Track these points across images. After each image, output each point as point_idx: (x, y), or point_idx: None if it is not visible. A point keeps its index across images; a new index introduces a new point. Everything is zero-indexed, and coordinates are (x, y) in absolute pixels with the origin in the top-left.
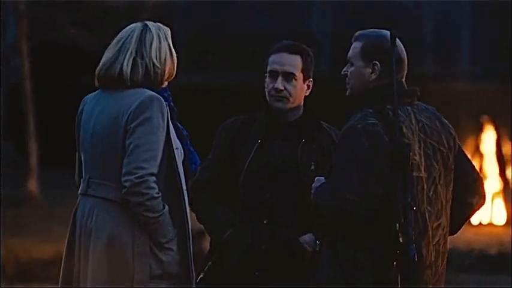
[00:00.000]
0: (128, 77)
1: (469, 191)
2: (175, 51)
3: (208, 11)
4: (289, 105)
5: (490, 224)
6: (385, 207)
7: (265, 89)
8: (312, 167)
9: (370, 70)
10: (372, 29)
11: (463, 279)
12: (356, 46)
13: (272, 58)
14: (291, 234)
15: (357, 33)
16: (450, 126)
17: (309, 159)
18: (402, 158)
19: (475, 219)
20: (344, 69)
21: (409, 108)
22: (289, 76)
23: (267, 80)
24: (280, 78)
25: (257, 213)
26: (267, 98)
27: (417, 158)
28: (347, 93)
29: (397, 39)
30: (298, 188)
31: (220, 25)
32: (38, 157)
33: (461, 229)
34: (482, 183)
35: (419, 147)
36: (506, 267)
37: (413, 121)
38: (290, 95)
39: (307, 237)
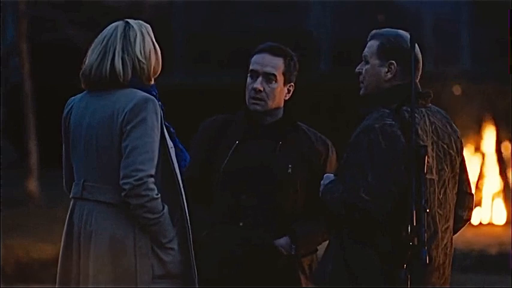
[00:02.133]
0: (121, 74)
1: (462, 205)
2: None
3: (207, 11)
4: (266, 108)
5: (490, 224)
6: (398, 208)
7: (246, 89)
8: (289, 170)
9: (386, 69)
10: (387, 29)
11: (463, 279)
12: (372, 44)
13: (254, 58)
14: (265, 238)
15: (373, 31)
16: (458, 131)
17: (286, 162)
18: (418, 160)
19: (475, 219)
20: (358, 67)
21: (423, 110)
22: (269, 77)
23: (248, 80)
24: (260, 79)
25: (233, 216)
26: (246, 98)
27: (430, 160)
28: (361, 92)
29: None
30: (275, 191)
31: (219, 25)
32: (38, 157)
33: (461, 229)
34: (473, 199)
35: (432, 150)
36: (506, 267)
37: (427, 123)
38: (268, 97)
39: (282, 241)
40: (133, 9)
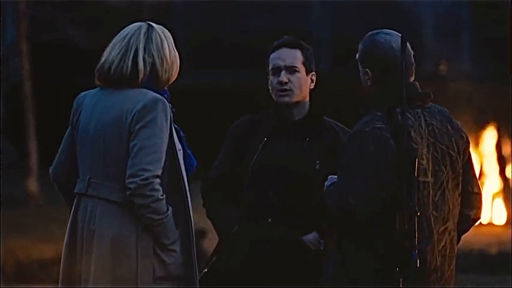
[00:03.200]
0: (142, 74)
1: (468, 204)
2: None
3: (207, 12)
4: (295, 99)
5: (490, 224)
6: (390, 211)
7: (269, 87)
8: (317, 166)
9: (367, 77)
10: (374, 31)
11: (463, 279)
12: (359, 51)
13: (273, 55)
14: (294, 233)
15: (365, 35)
16: (463, 130)
17: (314, 158)
18: (408, 163)
19: None
20: None
21: (419, 111)
22: (291, 69)
23: (271, 77)
24: (283, 72)
25: (262, 212)
26: (273, 95)
27: (424, 162)
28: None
29: (384, 41)
30: (303, 187)
31: (219, 25)
32: (38, 157)
33: (470, 228)
34: (481, 198)
35: (428, 152)
36: (506, 267)
37: (423, 124)
38: (295, 87)
39: (311, 236)
40: (133, 9)
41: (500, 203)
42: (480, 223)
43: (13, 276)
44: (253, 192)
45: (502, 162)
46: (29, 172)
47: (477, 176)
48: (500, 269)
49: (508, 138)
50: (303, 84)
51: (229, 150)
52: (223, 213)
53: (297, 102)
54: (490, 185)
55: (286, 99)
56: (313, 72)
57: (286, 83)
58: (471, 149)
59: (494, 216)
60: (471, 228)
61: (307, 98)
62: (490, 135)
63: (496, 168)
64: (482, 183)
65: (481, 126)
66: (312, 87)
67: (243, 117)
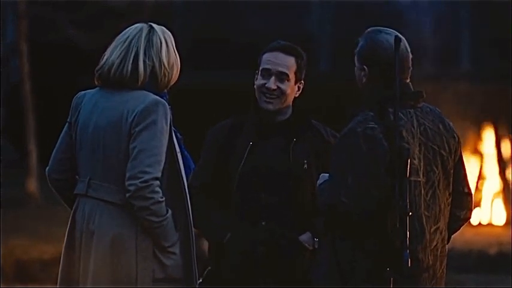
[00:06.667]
0: (141, 78)
1: (459, 204)
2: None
3: (207, 12)
4: (279, 106)
5: (490, 224)
6: (382, 210)
7: (255, 85)
8: (305, 166)
9: (363, 73)
10: (375, 28)
11: (463, 279)
12: (356, 47)
13: (266, 56)
14: (290, 234)
15: (365, 31)
16: (455, 130)
17: (301, 158)
18: (400, 163)
19: (474, 220)
20: None
21: (411, 111)
22: (282, 76)
23: (259, 77)
24: (273, 78)
25: (254, 215)
26: (257, 95)
27: (416, 162)
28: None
29: (370, 40)
30: (293, 187)
31: (219, 25)
32: (38, 157)
33: (460, 230)
34: (472, 199)
35: (420, 151)
36: (506, 267)
37: (415, 124)
38: (281, 96)
39: (305, 236)
40: (133, 9)
41: (500, 203)
42: (480, 223)
43: (13, 276)
44: (243, 195)
45: (502, 162)
46: (29, 172)
47: (469, 176)
48: (500, 269)
49: (508, 139)
50: (290, 93)
51: (211, 157)
52: (213, 220)
53: (281, 108)
54: (490, 185)
55: (270, 107)
56: (302, 81)
57: (274, 90)
58: (471, 150)
59: (494, 216)
60: (471, 229)
61: (291, 103)
62: (489, 136)
63: (496, 168)
64: (482, 184)
65: (481, 127)
66: (298, 95)
67: (223, 122)
